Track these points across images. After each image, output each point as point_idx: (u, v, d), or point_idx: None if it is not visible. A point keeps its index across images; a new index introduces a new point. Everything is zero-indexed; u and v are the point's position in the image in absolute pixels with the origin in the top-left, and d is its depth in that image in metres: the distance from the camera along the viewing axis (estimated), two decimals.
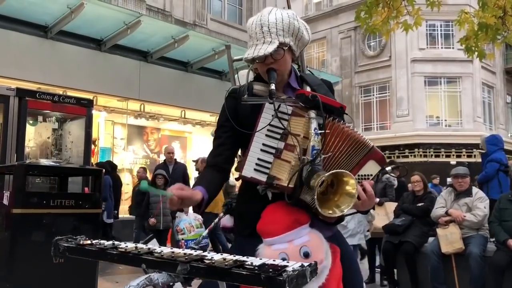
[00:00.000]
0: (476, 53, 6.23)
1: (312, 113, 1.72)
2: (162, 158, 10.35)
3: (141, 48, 10.68)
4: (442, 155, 20.78)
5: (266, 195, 1.78)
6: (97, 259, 1.36)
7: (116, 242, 1.45)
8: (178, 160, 8.54)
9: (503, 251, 4.69)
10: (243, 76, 2.19)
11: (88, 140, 5.57)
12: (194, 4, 13.25)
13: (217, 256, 1.31)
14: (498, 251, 4.78)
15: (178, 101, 11.50)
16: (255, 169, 1.75)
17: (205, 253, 1.33)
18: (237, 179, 2.01)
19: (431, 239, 5.44)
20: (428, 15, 7.70)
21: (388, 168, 1.84)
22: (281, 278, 1.11)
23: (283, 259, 1.61)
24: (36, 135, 5.79)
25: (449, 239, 5.03)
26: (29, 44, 9.07)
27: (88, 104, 5.51)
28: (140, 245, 1.42)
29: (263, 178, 1.74)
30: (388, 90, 22.97)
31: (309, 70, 2.21)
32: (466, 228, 5.05)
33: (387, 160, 1.83)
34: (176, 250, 1.38)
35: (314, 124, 1.70)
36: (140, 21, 9.34)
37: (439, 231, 5.16)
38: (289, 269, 1.17)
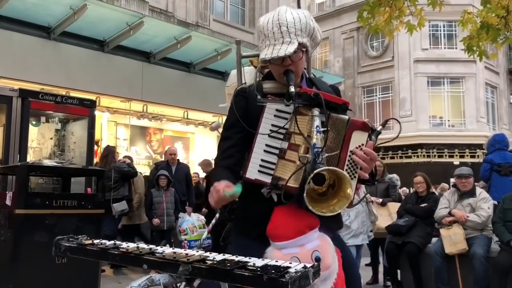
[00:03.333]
0: (477, 52, 6.20)
1: (316, 111, 1.68)
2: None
3: (143, 49, 10.68)
4: (445, 155, 20.73)
5: (271, 197, 1.75)
6: (98, 259, 1.36)
7: (117, 242, 1.45)
8: (181, 160, 8.51)
9: (507, 252, 4.66)
10: (247, 73, 2.17)
11: (91, 141, 5.58)
12: (196, 5, 13.25)
13: (219, 257, 1.30)
14: (502, 251, 4.76)
15: (181, 102, 11.49)
16: (259, 171, 1.72)
17: (207, 254, 1.32)
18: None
19: (434, 239, 5.42)
20: (430, 15, 7.69)
21: (379, 127, 1.80)
22: (283, 280, 1.10)
23: None
24: (39, 135, 5.80)
25: (452, 240, 5.01)
26: (32, 45, 9.08)
27: (90, 105, 5.52)
28: (142, 245, 1.41)
29: (267, 179, 1.71)
30: (391, 90, 22.93)
31: (313, 74, 2.18)
32: (469, 229, 5.03)
33: (371, 125, 1.79)
34: (178, 250, 1.37)
35: (316, 122, 1.67)
36: (142, 22, 9.33)
37: (442, 231, 5.14)
38: (292, 270, 1.16)
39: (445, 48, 22.17)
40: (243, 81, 2.55)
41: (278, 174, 1.70)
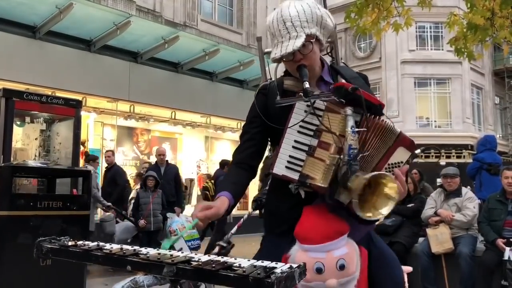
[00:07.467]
0: (466, 53, 6.27)
1: (349, 110, 1.62)
2: (152, 159, 10.23)
3: (131, 49, 10.61)
4: (432, 156, 20.88)
5: (298, 193, 1.71)
6: (81, 261, 1.33)
7: (101, 243, 1.42)
8: (168, 161, 8.46)
9: (492, 251, 4.71)
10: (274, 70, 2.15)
11: (77, 142, 5.50)
12: (184, 4, 13.19)
13: (204, 258, 1.28)
14: (487, 250, 4.80)
15: (168, 102, 11.44)
16: (286, 167, 1.67)
17: (192, 255, 1.31)
18: (266, 175, 1.96)
19: (421, 239, 5.45)
20: (417, 16, 7.73)
21: (418, 151, 1.79)
22: (269, 280, 1.09)
23: (319, 269, 1.59)
24: (23, 136, 5.72)
25: (439, 239, 5.04)
26: (17, 45, 8.96)
27: (76, 105, 5.45)
28: (125, 246, 1.38)
29: (295, 176, 1.67)
30: (378, 91, 23.06)
31: (343, 63, 2.12)
32: (456, 228, 5.07)
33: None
34: (162, 251, 1.35)
35: (351, 122, 1.60)
36: (130, 21, 9.27)
37: (429, 231, 5.17)
38: (278, 271, 1.15)
39: (431, 49, 22.39)
40: (268, 77, 2.52)
41: (306, 171, 1.65)
